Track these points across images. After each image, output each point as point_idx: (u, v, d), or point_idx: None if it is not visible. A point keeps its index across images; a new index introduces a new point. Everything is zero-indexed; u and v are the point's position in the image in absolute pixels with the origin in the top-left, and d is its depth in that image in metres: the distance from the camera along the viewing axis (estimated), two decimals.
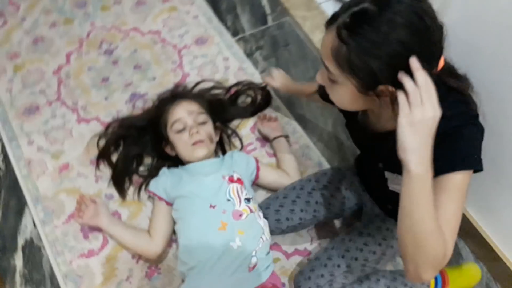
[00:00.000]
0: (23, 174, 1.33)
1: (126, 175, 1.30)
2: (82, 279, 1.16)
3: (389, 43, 0.65)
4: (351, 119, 1.00)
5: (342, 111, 0.97)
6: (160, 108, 1.26)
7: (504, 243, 1.13)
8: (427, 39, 0.67)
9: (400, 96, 0.66)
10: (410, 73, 0.66)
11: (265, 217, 1.13)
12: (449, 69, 0.79)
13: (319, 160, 1.38)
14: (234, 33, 1.68)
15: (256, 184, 1.27)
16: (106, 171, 1.32)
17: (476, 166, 0.75)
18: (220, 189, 1.10)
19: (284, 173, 1.27)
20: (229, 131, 1.40)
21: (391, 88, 0.69)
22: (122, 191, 1.28)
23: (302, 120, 1.47)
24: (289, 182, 1.21)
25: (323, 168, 1.32)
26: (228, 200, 1.09)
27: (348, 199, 1.14)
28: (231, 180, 1.13)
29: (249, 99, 1.47)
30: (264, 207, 1.15)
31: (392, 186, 0.92)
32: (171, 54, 1.61)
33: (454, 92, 0.78)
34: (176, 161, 1.23)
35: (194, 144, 1.16)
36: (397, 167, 0.70)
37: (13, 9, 1.72)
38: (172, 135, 1.19)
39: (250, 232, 1.06)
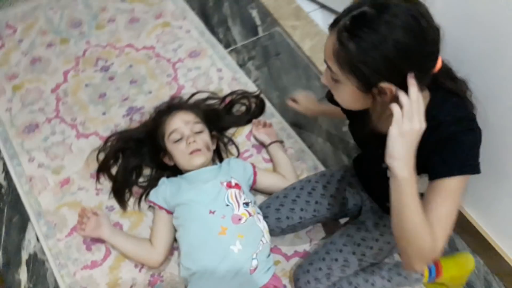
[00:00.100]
0: (25, 190, 1.35)
1: (126, 187, 1.32)
2: None
3: (387, 44, 0.69)
4: (354, 119, 1.03)
5: (346, 112, 1.01)
6: (157, 120, 1.28)
7: (500, 237, 1.15)
8: (423, 40, 0.70)
9: (395, 108, 0.72)
10: (405, 74, 0.71)
11: (266, 216, 1.15)
12: (447, 71, 0.82)
13: (314, 164, 1.40)
14: (226, 45, 1.72)
15: (254, 189, 1.29)
16: (106, 184, 1.35)
17: (472, 172, 0.79)
18: (219, 195, 1.12)
19: (281, 176, 1.29)
20: (226, 139, 1.42)
21: (390, 86, 0.73)
22: (122, 203, 1.30)
23: (296, 125, 1.50)
24: (287, 184, 1.24)
25: (322, 170, 1.34)
26: (227, 205, 1.11)
27: (347, 199, 1.16)
28: (229, 185, 1.15)
29: (243, 108, 1.50)
30: (264, 206, 1.18)
31: None
32: (165, 68, 1.64)
33: (452, 95, 0.81)
34: (175, 171, 1.25)
35: (191, 153, 1.19)
36: None
37: (10, 32, 1.76)
38: (170, 145, 1.22)
39: (250, 236, 1.08)
